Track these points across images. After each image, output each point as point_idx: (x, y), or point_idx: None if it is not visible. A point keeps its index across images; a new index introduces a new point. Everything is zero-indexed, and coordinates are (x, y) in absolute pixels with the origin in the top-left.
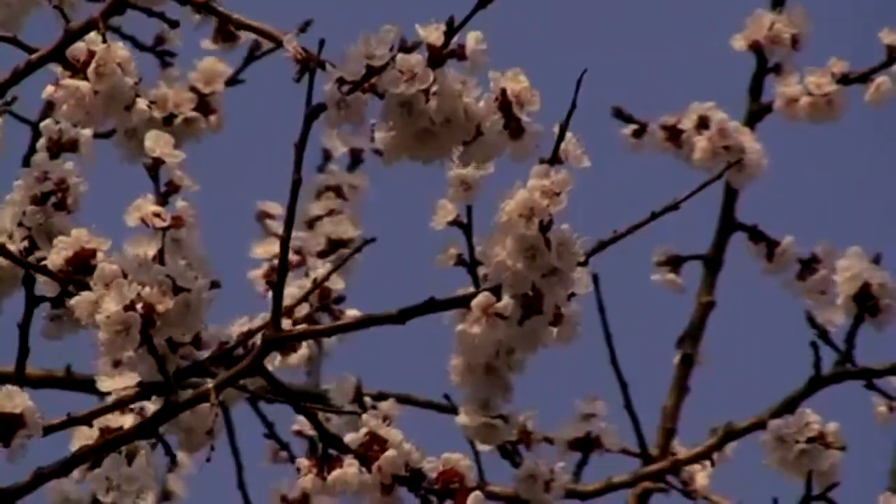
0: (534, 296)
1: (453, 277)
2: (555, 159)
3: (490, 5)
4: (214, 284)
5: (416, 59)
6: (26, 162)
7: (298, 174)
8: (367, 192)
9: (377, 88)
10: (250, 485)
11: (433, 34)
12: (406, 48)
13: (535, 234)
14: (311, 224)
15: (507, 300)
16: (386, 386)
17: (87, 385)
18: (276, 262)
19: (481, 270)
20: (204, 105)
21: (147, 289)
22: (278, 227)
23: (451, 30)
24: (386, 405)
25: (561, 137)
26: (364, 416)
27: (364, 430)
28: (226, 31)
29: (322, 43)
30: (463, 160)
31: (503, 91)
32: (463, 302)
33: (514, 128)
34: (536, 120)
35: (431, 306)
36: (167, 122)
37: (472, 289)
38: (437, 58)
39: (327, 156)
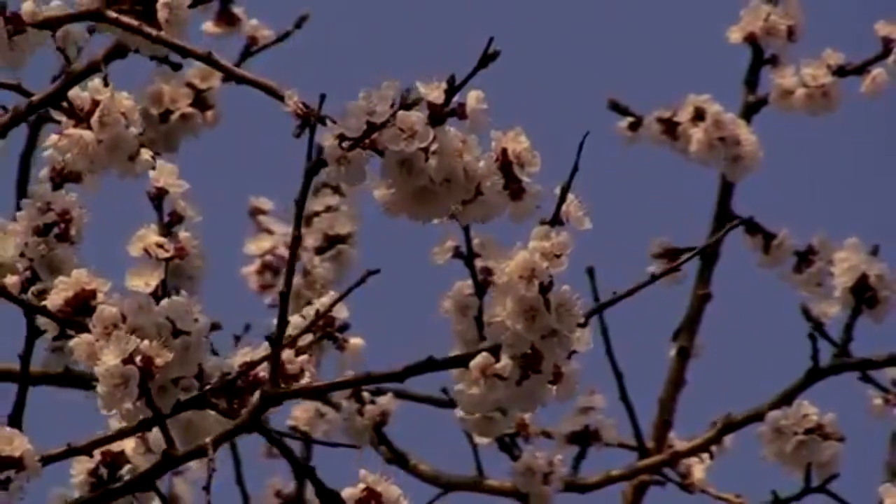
0: (533, 356)
1: (450, 271)
2: (556, 220)
3: (491, 64)
4: (215, 326)
5: (417, 116)
6: (24, 159)
7: (298, 231)
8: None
9: (377, 145)
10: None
11: (434, 92)
12: (406, 105)
13: (536, 295)
14: (308, 220)
15: (505, 361)
16: None
17: (85, 382)
18: (268, 258)
19: (478, 263)
20: (200, 101)
21: (146, 342)
22: (271, 222)
23: (452, 88)
24: (384, 400)
25: (562, 199)
26: (361, 472)
27: (361, 486)
28: (228, 15)
29: (323, 98)
30: (462, 219)
31: (504, 151)
32: (462, 361)
33: (514, 188)
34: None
35: (431, 365)
36: (164, 118)
37: (469, 281)
38: (437, 116)
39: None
